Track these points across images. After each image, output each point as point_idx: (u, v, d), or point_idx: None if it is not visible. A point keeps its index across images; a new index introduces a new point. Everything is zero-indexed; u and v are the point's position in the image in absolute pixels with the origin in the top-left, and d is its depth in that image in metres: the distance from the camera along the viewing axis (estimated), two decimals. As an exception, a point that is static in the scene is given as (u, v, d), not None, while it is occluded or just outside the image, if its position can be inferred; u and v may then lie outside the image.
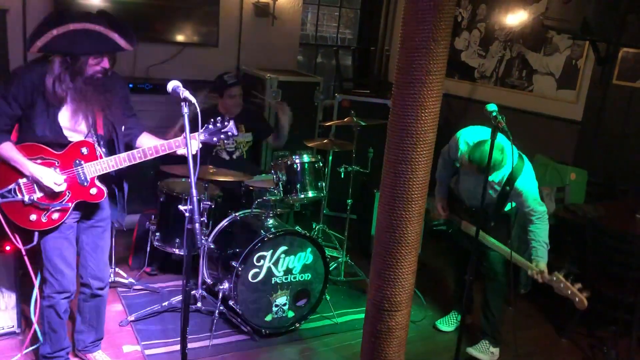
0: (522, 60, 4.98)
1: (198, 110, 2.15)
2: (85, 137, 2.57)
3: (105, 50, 2.45)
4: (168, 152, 2.61)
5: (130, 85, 4.53)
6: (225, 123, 2.76)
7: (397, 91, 2.16)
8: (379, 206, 2.29)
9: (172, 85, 2.21)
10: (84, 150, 2.55)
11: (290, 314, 3.50)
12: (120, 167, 2.59)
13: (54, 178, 2.46)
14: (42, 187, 2.49)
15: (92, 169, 2.56)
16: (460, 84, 5.55)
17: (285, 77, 5.08)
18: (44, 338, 2.80)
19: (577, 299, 2.88)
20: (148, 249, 3.87)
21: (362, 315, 2.50)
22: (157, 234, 3.64)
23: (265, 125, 4.54)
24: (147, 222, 3.76)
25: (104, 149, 2.63)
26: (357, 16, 6.70)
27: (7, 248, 2.84)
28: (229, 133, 2.77)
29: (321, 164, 3.71)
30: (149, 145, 2.62)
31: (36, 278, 2.80)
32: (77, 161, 2.54)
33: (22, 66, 2.44)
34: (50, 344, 2.79)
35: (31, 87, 2.42)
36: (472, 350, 3.43)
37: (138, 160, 2.59)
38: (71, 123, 2.53)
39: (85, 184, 2.57)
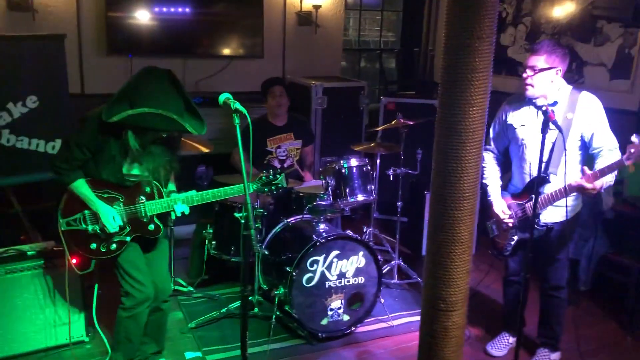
0: (572, 52, 4.85)
1: (249, 121, 2.21)
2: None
3: (175, 130, 2.69)
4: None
5: (184, 90, 4.69)
6: (277, 175, 2.98)
7: (444, 90, 2.16)
8: (430, 206, 2.29)
9: (223, 97, 2.28)
10: (148, 188, 2.78)
11: (346, 317, 3.52)
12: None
13: (112, 215, 2.70)
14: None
15: (153, 207, 2.77)
16: (508, 80, 5.46)
17: (329, 84, 5.13)
18: (117, 348, 2.92)
19: None
20: (205, 257, 3.98)
21: (417, 318, 2.50)
22: (213, 242, 3.74)
23: (310, 134, 4.59)
24: (204, 231, 3.86)
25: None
26: (399, 18, 6.69)
27: (74, 261, 2.99)
28: (279, 185, 2.99)
29: (369, 167, 3.72)
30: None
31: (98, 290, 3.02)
32: (140, 198, 2.76)
33: (97, 115, 2.60)
34: (124, 354, 2.92)
35: (103, 135, 2.63)
36: None
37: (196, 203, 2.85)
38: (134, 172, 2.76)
39: (145, 220, 2.78)
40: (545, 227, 3.01)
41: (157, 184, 2.79)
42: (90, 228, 2.71)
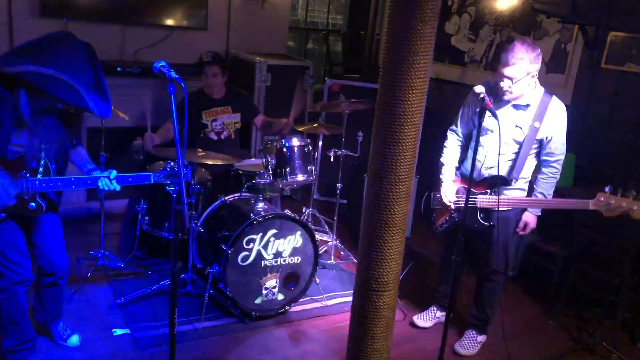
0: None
1: (185, 91, 2.14)
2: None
3: (74, 105, 2.43)
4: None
5: (118, 69, 4.50)
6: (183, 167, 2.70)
7: (385, 72, 2.15)
8: (366, 187, 2.29)
9: (158, 65, 2.19)
10: (34, 163, 2.52)
11: (280, 296, 3.51)
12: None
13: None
14: None
15: (37, 185, 2.50)
16: (451, 68, 5.55)
17: (274, 61, 5.05)
18: (5, 333, 2.76)
19: (634, 208, 2.70)
20: (137, 232, 3.86)
21: (351, 298, 2.51)
22: (146, 217, 3.63)
23: (251, 107, 4.52)
24: (136, 206, 3.75)
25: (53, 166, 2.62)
26: (348, 1, 6.67)
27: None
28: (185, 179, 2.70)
29: (311, 148, 3.71)
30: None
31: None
32: (22, 172, 2.49)
33: None
34: (15, 337, 2.77)
35: None
36: (460, 349, 3.37)
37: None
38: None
39: (26, 197, 2.52)
40: (486, 225, 3.11)
41: (45, 160, 2.54)
42: None
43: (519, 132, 3.05)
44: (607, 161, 4.29)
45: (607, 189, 2.78)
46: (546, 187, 3.15)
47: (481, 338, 3.43)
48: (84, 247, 4.01)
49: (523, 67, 2.87)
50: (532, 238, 4.09)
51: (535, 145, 3.08)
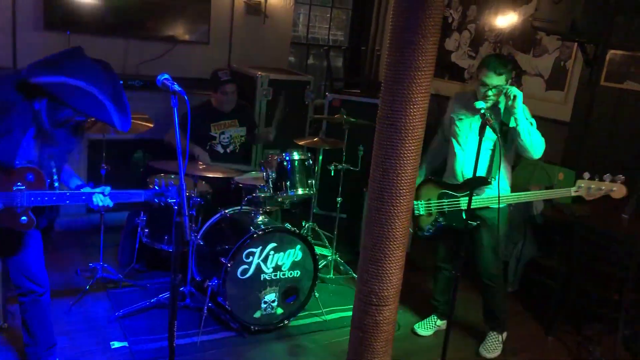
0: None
1: (188, 103, 2.14)
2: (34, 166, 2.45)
3: (100, 119, 2.42)
4: None
5: (120, 82, 4.50)
6: (169, 187, 2.69)
7: (386, 87, 2.17)
8: (367, 201, 2.30)
9: (161, 77, 2.20)
10: (31, 175, 2.41)
11: (279, 310, 3.50)
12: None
13: None
14: None
15: (36, 198, 2.41)
16: (451, 84, 5.58)
17: (276, 76, 5.07)
18: None
19: (613, 189, 2.91)
20: (137, 245, 3.85)
21: (351, 313, 2.51)
22: (146, 230, 3.63)
23: (254, 121, 4.58)
24: (136, 219, 3.75)
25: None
26: (349, 18, 6.72)
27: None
28: (169, 200, 2.68)
29: (311, 162, 3.72)
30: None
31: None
32: (19, 184, 2.39)
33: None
34: None
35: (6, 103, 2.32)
36: (484, 352, 3.47)
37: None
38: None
39: (19, 210, 2.41)
40: (474, 224, 3.22)
41: (39, 171, 2.43)
42: None
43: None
44: (607, 178, 4.29)
45: (586, 175, 2.96)
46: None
47: (504, 335, 3.53)
48: (83, 259, 4.00)
49: (500, 78, 3.11)
50: (533, 253, 4.09)
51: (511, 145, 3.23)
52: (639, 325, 3.77)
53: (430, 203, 3.34)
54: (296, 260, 3.50)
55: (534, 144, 3.09)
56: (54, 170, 2.53)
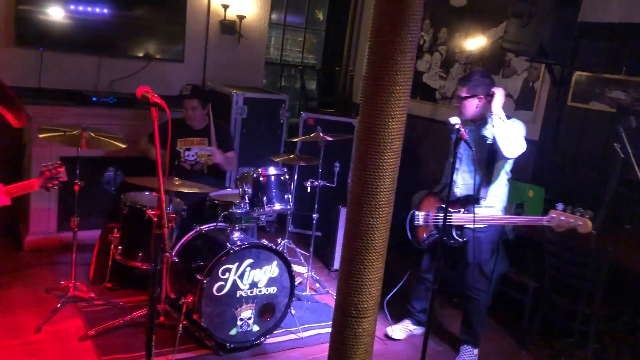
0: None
1: (168, 114, 2.15)
2: None
3: None
4: None
5: (94, 99, 4.48)
6: (59, 170, 3.04)
7: (365, 101, 2.22)
8: (347, 213, 2.32)
9: (141, 90, 2.20)
10: None
11: (256, 328, 3.47)
12: None
13: None
14: None
15: None
16: (422, 104, 5.69)
17: (251, 94, 5.11)
18: None
19: (580, 223, 2.94)
20: (109, 263, 3.79)
21: (327, 330, 2.51)
22: (119, 247, 3.57)
23: (227, 142, 4.54)
24: (109, 236, 3.69)
25: None
26: (321, 41, 6.82)
27: None
28: (60, 179, 3.10)
29: (287, 177, 3.73)
30: None
31: None
32: None
33: None
34: None
35: None
36: None
37: None
38: None
39: None
40: (461, 240, 3.37)
41: None
42: None
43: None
44: (574, 195, 4.41)
45: (559, 206, 3.02)
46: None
47: (477, 351, 3.59)
48: (54, 277, 3.91)
49: (467, 90, 3.34)
50: (505, 269, 4.15)
51: (501, 163, 3.37)
52: (608, 338, 3.86)
53: (428, 215, 3.50)
54: (272, 276, 3.48)
55: (508, 140, 3.19)
56: None
